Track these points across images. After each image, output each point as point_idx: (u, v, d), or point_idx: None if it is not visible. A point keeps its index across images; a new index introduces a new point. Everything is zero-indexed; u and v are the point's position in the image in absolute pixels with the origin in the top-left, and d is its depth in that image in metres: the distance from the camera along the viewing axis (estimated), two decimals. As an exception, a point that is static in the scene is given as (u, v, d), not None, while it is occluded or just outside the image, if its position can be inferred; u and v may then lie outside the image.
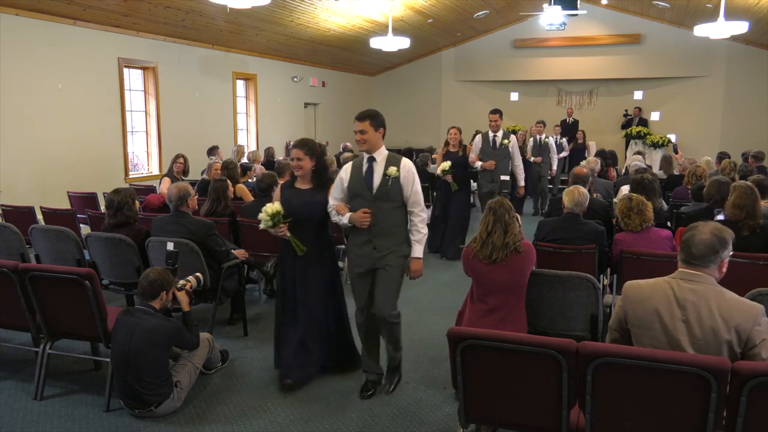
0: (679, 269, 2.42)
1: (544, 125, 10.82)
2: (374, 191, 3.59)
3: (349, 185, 3.67)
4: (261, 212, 3.66)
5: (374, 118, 3.62)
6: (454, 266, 6.92)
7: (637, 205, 4.29)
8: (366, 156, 3.66)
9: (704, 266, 2.35)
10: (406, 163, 3.64)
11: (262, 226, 3.69)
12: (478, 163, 7.24)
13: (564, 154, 12.25)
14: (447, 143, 7.36)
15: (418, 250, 3.67)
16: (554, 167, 10.91)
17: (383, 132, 3.65)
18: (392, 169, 3.56)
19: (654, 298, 2.38)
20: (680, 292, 2.35)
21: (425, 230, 3.66)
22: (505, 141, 7.28)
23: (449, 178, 7.14)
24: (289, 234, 3.71)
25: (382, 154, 3.66)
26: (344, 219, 3.61)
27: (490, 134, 7.37)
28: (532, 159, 10.51)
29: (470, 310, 3.51)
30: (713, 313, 2.29)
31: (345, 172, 3.70)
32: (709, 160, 8.26)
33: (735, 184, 4.22)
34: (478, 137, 7.47)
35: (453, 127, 7.36)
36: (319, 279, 3.86)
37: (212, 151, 9.04)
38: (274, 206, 3.65)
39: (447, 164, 7.06)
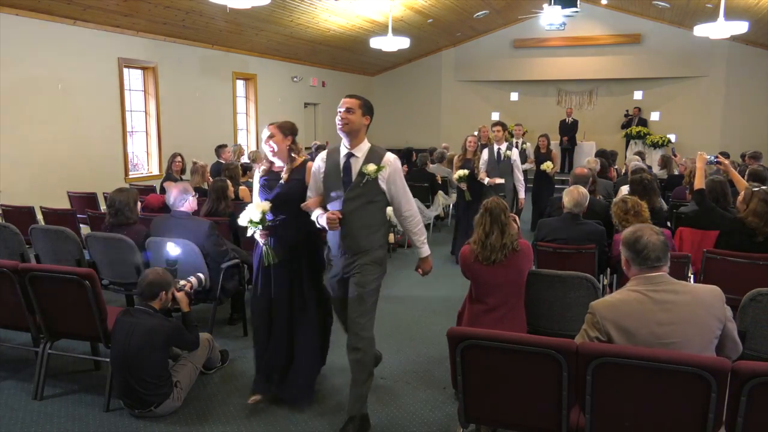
0: (639, 276, 2.42)
1: (504, 129, 7.27)
2: None
3: None
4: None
5: None
6: (455, 268, 6.90)
7: (633, 207, 4.26)
8: None
9: (665, 264, 2.43)
10: None
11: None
12: (317, 212, 3.36)
13: (527, 166, 8.67)
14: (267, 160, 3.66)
15: None
16: (521, 194, 7.28)
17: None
18: None
19: (634, 314, 2.36)
20: (659, 297, 2.35)
21: None
22: (369, 169, 3.24)
23: (261, 236, 3.48)
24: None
25: None
26: None
27: (342, 152, 3.33)
28: (486, 181, 6.94)
29: (469, 309, 3.52)
30: (696, 306, 2.34)
31: None
32: (709, 161, 8.26)
33: (753, 191, 4.14)
34: (322, 156, 3.43)
35: (271, 124, 3.60)
36: None
37: (219, 149, 8.83)
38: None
39: (264, 207, 3.43)
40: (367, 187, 3.29)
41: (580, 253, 4.22)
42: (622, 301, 2.42)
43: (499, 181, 7.00)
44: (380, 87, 17.53)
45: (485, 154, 7.10)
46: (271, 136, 3.54)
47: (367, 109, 3.36)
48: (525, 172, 8.09)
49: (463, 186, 7.10)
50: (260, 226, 3.43)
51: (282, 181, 3.52)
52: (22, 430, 3.36)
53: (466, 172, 7.01)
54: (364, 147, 3.34)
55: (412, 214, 3.43)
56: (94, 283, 3.45)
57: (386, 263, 3.45)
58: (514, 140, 8.51)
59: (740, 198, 4.27)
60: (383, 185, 3.32)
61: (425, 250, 3.46)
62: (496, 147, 7.13)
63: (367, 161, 3.29)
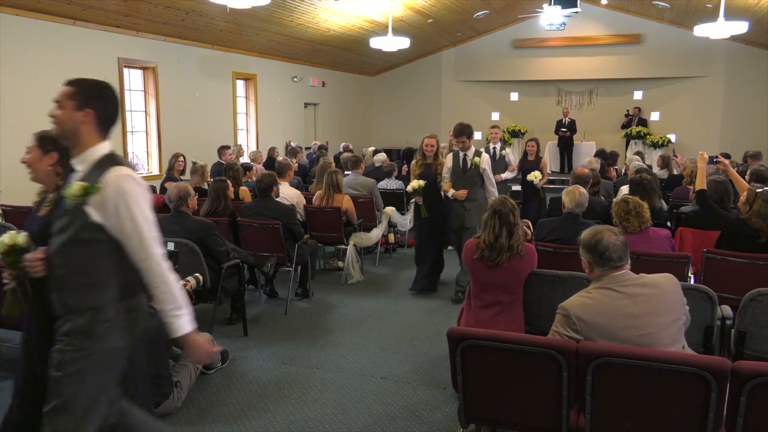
0: (605, 278, 2.49)
1: (469, 137, 5.76)
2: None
3: None
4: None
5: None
6: (455, 267, 6.89)
7: (634, 208, 4.26)
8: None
9: (627, 263, 2.53)
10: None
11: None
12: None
13: (509, 174, 7.78)
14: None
15: None
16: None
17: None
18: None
19: (607, 310, 2.41)
20: (629, 291, 2.44)
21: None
22: (72, 191, 2.14)
23: (7, 278, 2.56)
24: None
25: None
26: None
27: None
28: (450, 193, 5.77)
29: (467, 305, 3.54)
30: (663, 296, 2.45)
31: None
32: (709, 161, 8.25)
33: (757, 192, 4.12)
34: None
35: (36, 134, 2.73)
36: None
37: (222, 150, 9.05)
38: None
39: (16, 240, 2.49)
40: (73, 219, 2.12)
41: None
42: (593, 298, 2.48)
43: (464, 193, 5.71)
44: (380, 87, 17.53)
45: (449, 161, 5.82)
46: (27, 153, 2.51)
47: (87, 98, 2.17)
48: (505, 181, 7.33)
49: (419, 200, 5.95)
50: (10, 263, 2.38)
51: (38, 215, 2.40)
52: (22, 430, 3.36)
53: (421, 183, 5.81)
54: (90, 157, 2.18)
55: (150, 267, 2.14)
56: (94, 283, 3.44)
57: (110, 342, 2.16)
58: (491, 146, 7.37)
59: (742, 199, 4.26)
60: (97, 218, 2.11)
61: (181, 325, 2.16)
62: (462, 154, 5.77)
63: (85, 179, 2.14)
